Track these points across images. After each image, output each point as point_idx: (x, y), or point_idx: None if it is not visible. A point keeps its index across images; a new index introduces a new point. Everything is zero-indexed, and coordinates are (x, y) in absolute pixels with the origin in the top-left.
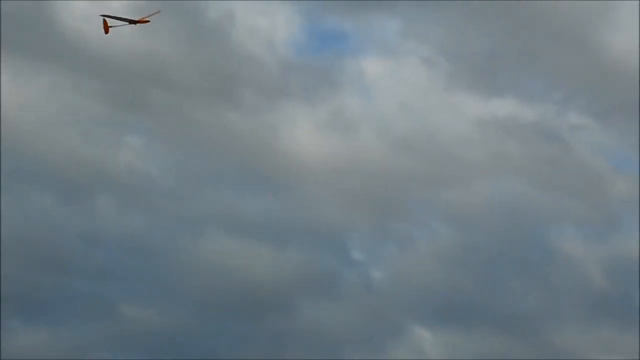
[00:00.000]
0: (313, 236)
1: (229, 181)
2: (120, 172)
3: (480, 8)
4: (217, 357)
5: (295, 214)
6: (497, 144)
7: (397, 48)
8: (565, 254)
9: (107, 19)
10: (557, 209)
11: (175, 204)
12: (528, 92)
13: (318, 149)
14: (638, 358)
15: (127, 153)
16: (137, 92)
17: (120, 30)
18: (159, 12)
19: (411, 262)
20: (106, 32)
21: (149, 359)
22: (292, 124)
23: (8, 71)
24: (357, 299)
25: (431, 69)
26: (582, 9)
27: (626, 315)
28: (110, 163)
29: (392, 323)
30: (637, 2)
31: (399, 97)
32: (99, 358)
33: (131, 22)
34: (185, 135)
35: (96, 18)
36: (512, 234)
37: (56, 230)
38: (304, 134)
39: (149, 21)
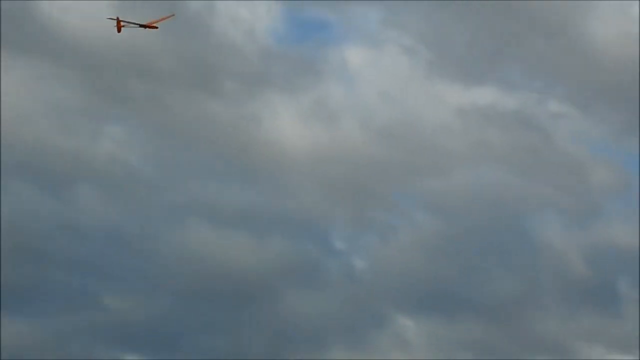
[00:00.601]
0: (295, 225)
1: (210, 171)
2: (100, 162)
3: None
4: (198, 346)
5: (277, 203)
6: (478, 133)
7: (378, 37)
8: (547, 242)
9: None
10: (538, 197)
11: (156, 193)
12: (509, 81)
13: (300, 139)
14: (619, 345)
15: (107, 143)
16: (118, 82)
17: (101, 20)
18: (173, 15)
19: (393, 251)
20: (119, 31)
21: (129, 348)
22: (274, 114)
23: None
24: (339, 288)
25: (412, 58)
26: None
27: (607, 303)
28: (90, 153)
29: (374, 312)
30: None
31: (380, 86)
32: (80, 349)
33: (141, 26)
34: (166, 125)
35: (76, 8)
36: (493, 223)
37: (36, 221)
38: (285, 123)
39: (157, 27)
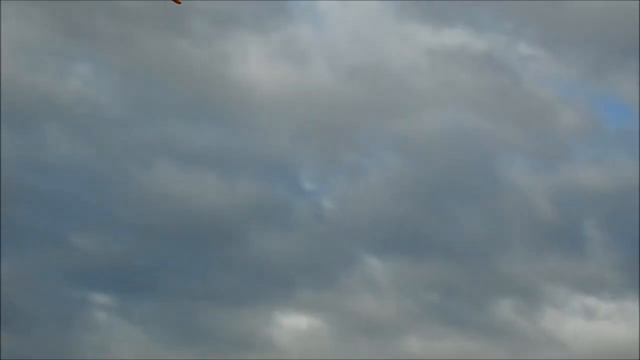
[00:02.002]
0: (263, 166)
1: (178, 110)
2: (67, 100)
3: None
4: (166, 286)
5: (245, 144)
6: (447, 74)
7: None
8: (514, 183)
9: None
10: (506, 139)
11: (124, 132)
12: (478, 23)
13: (269, 79)
14: (583, 286)
15: (74, 81)
16: (86, 20)
17: None
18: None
19: (362, 192)
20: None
21: (97, 288)
22: (243, 53)
23: None
24: (308, 229)
25: None
26: None
27: (573, 245)
28: (57, 91)
29: (343, 252)
30: None
31: (350, 27)
32: (47, 288)
33: None
34: (134, 63)
35: None
36: (461, 164)
37: (2, 160)
38: (254, 63)
39: (180, 2)
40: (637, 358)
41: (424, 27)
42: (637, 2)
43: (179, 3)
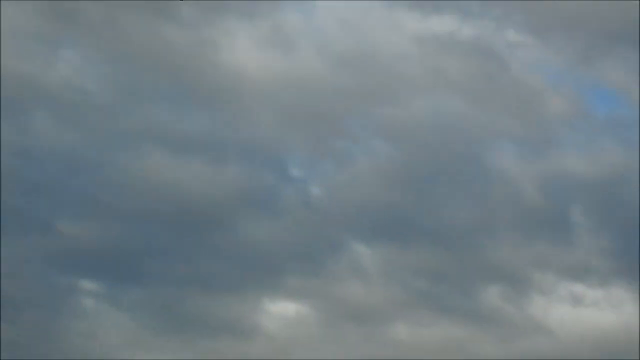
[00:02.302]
0: (252, 152)
1: (166, 97)
2: (55, 87)
3: None
4: (154, 272)
5: (233, 131)
6: (435, 61)
7: None
8: (502, 170)
9: None
10: (494, 126)
11: (112, 119)
12: (467, 10)
13: (257, 65)
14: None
15: (62, 67)
16: (73, 5)
17: None
18: None
19: (350, 179)
20: None
21: (85, 274)
22: (231, 39)
23: None
24: (295, 216)
25: None
26: None
27: (561, 232)
28: (44, 78)
29: (331, 239)
30: None
31: (339, 14)
32: (33, 275)
33: None
34: (122, 49)
35: None
36: (449, 151)
37: None
38: (243, 49)
39: None
40: (623, 344)
41: (412, 14)
42: None
43: None
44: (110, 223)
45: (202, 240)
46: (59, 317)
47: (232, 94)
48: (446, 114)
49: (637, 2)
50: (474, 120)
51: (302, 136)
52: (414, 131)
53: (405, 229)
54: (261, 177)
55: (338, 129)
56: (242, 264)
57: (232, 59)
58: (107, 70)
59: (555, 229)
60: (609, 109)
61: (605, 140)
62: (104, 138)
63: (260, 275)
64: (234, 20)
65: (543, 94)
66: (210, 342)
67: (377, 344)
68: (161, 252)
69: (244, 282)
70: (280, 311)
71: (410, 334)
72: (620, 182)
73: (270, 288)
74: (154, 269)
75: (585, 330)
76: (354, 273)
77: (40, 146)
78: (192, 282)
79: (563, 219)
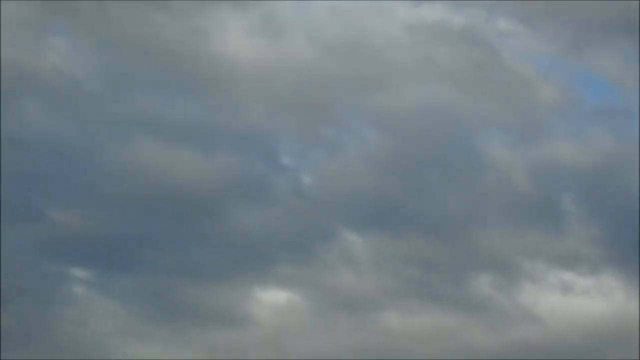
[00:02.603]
0: (242, 140)
1: (157, 84)
2: (45, 74)
3: None
4: (145, 261)
5: (224, 119)
6: (426, 49)
7: None
8: (492, 158)
9: None
10: (485, 115)
11: (102, 106)
12: None
13: (248, 53)
14: (560, 261)
15: (52, 55)
16: None
17: None
18: None
19: (341, 167)
20: None
21: (76, 262)
22: (222, 28)
23: None
24: (286, 204)
25: None
26: None
27: (551, 220)
28: (34, 65)
29: (322, 227)
30: None
31: (330, 2)
32: (24, 263)
33: None
34: (112, 37)
35: None
36: (439, 139)
37: None
38: (233, 37)
39: None
40: (614, 332)
41: (403, 2)
42: None
43: None
44: (101, 211)
45: (194, 228)
46: (50, 304)
47: (223, 83)
48: (437, 102)
49: None
50: (465, 109)
51: (293, 124)
52: (405, 119)
53: (397, 217)
54: (252, 165)
55: (329, 118)
56: (233, 253)
57: (223, 47)
58: (98, 58)
59: (546, 217)
60: (599, 97)
61: (595, 128)
62: (95, 126)
63: (251, 264)
64: (225, 9)
65: (534, 82)
66: (201, 330)
67: (368, 332)
68: (152, 240)
69: (235, 270)
70: (272, 300)
71: (401, 323)
72: (611, 170)
73: (261, 276)
74: (145, 257)
75: (575, 318)
76: (345, 261)
77: (31, 134)
78: (183, 271)
79: (553, 207)
